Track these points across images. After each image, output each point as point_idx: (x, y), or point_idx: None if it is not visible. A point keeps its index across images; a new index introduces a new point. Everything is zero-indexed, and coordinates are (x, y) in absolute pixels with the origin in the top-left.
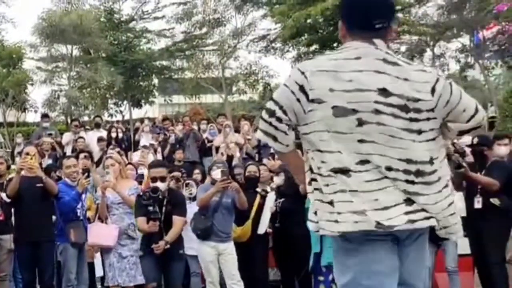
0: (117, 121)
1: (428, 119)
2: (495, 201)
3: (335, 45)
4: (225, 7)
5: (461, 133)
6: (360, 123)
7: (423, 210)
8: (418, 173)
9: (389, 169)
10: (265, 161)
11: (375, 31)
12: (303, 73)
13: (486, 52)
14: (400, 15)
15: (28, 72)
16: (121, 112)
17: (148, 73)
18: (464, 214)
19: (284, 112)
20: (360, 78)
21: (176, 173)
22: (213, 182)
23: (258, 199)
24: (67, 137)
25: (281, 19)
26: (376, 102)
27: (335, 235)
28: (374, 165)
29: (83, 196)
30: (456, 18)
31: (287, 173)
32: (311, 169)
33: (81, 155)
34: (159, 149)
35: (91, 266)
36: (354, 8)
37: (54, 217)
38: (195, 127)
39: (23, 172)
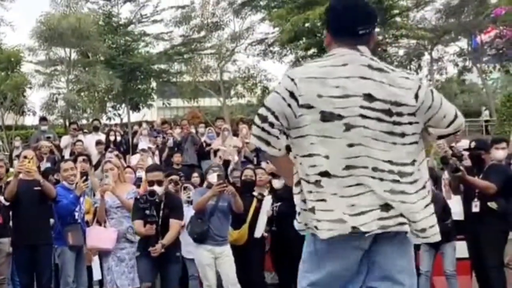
0: (116, 124)
1: (410, 123)
2: (492, 204)
3: None
4: (224, 11)
5: (440, 137)
6: (348, 127)
7: (399, 215)
8: (401, 174)
9: (375, 169)
10: (263, 164)
11: (359, 37)
12: (292, 79)
13: (484, 56)
14: (398, 19)
15: (26, 75)
16: (119, 115)
17: (146, 77)
18: (461, 217)
19: (276, 118)
20: (346, 84)
21: (174, 177)
22: (209, 186)
23: (254, 202)
24: (65, 140)
25: (279, 23)
26: (362, 107)
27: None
28: (358, 170)
29: (81, 199)
30: (454, 22)
31: None
32: (298, 174)
33: (80, 159)
34: (156, 153)
35: (89, 270)
36: (339, 16)
37: (52, 220)
38: (193, 130)
39: (21, 176)
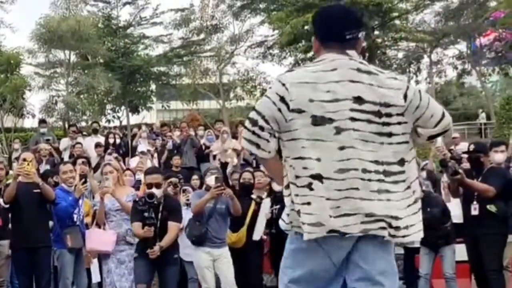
0: (115, 127)
1: (399, 123)
2: (491, 207)
3: None
4: (223, 14)
5: (430, 138)
6: (338, 131)
7: (381, 220)
8: (386, 173)
9: (364, 171)
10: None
11: (347, 42)
12: (283, 84)
13: (483, 59)
14: (397, 21)
15: (26, 77)
16: (118, 117)
17: (145, 79)
18: (461, 220)
19: (266, 121)
20: (336, 88)
21: (173, 179)
22: (208, 188)
23: (253, 205)
24: (64, 142)
25: (279, 25)
26: (352, 110)
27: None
28: (350, 173)
29: (80, 201)
30: (453, 25)
31: None
32: (287, 177)
33: (79, 161)
34: (155, 155)
35: (88, 272)
36: (326, 22)
37: (51, 223)
38: (193, 133)
39: (20, 178)
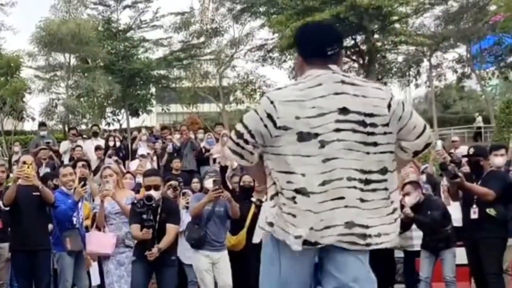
0: (115, 130)
1: (384, 133)
2: (491, 211)
3: None
4: (223, 17)
5: (416, 153)
6: (323, 144)
7: (358, 233)
8: (367, 182)
9: (349, 179)
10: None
11: (329, 57)
12: (272, 102)
13: (483, 62)
14: (397, 25)
15: (26, 80)
16: (118, 121)
17: (145, 82)
18: (461, 224)
19: (252, 136)
20: (322, 103)
21: (173, 182)
22: (206, 191)
23: (253, 208)
24: (64, 145)
25: (279, 29)
26: (337, 121)
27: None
28: (334, 183)
29: (79, 204)
30: (453, 28)
31: None
32: (275, 185)
33: (79, 164)
34: (154, 158)
35: (88, 275)
36: (308, 39)
37: (51, 226)
38: (192, 136)
39: (20, 181)
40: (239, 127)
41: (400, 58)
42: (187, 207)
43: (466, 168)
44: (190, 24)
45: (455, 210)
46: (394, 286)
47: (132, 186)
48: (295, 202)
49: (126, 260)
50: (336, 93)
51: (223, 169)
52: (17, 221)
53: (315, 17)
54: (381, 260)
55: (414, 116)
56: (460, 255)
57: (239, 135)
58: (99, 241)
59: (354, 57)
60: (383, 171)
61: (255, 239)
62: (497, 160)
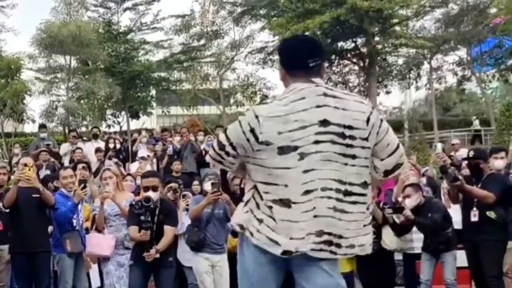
0: (115, 132)
1: (363, 147)
2: (491, 214)
3: (332, 57)
4: (223, 20)
5: (386, 173)
6: (302, 156)
7: (327, 241)
8: (346, 193)
9: (324, 189)
10: None
11: (310, 69)
12: (257, 116)
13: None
14: (397, 28)
15: (26, 82)
16: (118, 123)
17: (146, 84)
18: (460, 227)
19: (233, 148)
20: (304, 117)
21: (173, 184)
22: (206, 194)
23: None
24: (65, 148)
25: (279, 31)
26: (317, 133)
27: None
28: (313, 194)
29: (79, 206)
30: (453, 31)
31: None
32: (253, 190)
33: (79, 166)
34: (154, 160)
35: (87, 277)
36: (290, 52)
37: (50, 228)
38: (193, 138)
39: (20, 183)
40: (222, 138)
41: (401, 61)
42: (187, 209)
43: (466, 171)
44: (191, 26)
45: (455, 213)
46: None
47: (132, 188)
48: (272, 212)
49: (126, 261)
50: (318, 106)
51: (224, 171)
52: (17, 223)
53: (315, 20)
54: (381, 263)
55: (389, 133)
56: (461, 257)
57: (221, 146)
58: (99, 243)
59: (354, 60)
60: (364, 184)
61: None
62: (497, 163)
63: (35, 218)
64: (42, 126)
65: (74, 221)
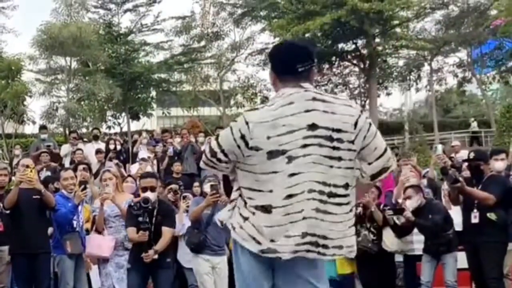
0: (115, 133)
1: (349, 149)
2: (491, 215)
3: (333, 59)
4: (224, 21)
5: (373, 177)
6: (290, 160)
7: (311, 242)
8: (331, 194)
9: (310, 191)
10: None
11: (299, 74)
12: (247, 123)
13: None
14: (398, 29)
15: (27, 84)
16: (119, 124)
17: (146, 86)
18: (460, 228)
19: (225, 155)
20: (292, 121)
21: (174, 186)
22: (206, 195)
23: None
24: (65, 149)
25: (280, 33)
26: (305, 137)
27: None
28: (296, 197)
29: (80, 207)
30: (454, 33)
31: None
32: (239, 191)
33: (80, 167)
34: (154, 162)
35: (88, 278)
36: (280, 57)
37: (50, 229)
38: (193, 139)
39: (22, 185)
40: (213, 145)
41: (401, 62)
42: (187, 211)
43: (466, 173)
44: (191, 28)
45: (455, 215)
46: None
47: (133, 190)
48: (254, 218)
49: (125, 262)
50: (307, 110)
51: None
52: (17, 224)
53: (316, 21)
54: (382, 264)
55: (377, 137)
56: (461, 259)
57: (213, 153)
58: (98, 244)
59: (355, 61)
60: (346, 186)
61: None
62: (498, 164)
63: (36, 220)
64: (42, 127)
65: (74, 222)
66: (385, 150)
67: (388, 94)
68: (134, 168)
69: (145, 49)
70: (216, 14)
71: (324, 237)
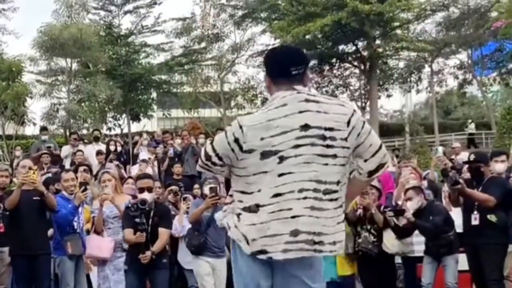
0: (116, 135)
1: (342, 147)
2: (491, 217)
3: (333, 60)
4: (224, 23)
5: (370, 174)
6: (281, 160)
7: (303, 241)
8: (326, 192)
9: (301, 191)
10: None
11: (293, 77)
12: (241, 127)
13: (484, 68)
14: (398, 31)
15: (27, 85)
16: (119, 125)
17: (147, 87)
18: (461, 230)
19: (220, 158)
20: (285, 122)
21: (174, 187)
22: (205, 197)
23: None
24: (66, 150)
25: (280, 34)
26: (297, 138)
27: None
28: (284, 196)
29: (80, 209)
30: (454, 35)
31: None
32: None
33: (80, 169)
34: (155, 163)
35: (87, 279)
36: (274, 60)
37: (51, 230)
38: (194, 141)
39: (24, 186)
40: (208, 149)
41: (402, 64)
42: (188, 212)
43: (467, 175)
44: (192, 29)
45: (456, 216)
46: None
47: (134, 191)
48: (244, 218)
49: (123, 265)
50: (300, 112)
51: None
52: (17, 225)
53: (316, 23)
54: (382, 266)
55: (372, 134)
56: (462, 261)
57: (208, 157)
58: (98, 245)
59: (355, 63)
60: (338, 183)
61: None
62: (498, 166)
63: (36, 221)
64: (43, 129)
65: (75, 224)
66: (380, 146)
67: (388, 95)
68: (134, 170)
69: (146, 50)
70: (216, 16)
71: (320, 234)
